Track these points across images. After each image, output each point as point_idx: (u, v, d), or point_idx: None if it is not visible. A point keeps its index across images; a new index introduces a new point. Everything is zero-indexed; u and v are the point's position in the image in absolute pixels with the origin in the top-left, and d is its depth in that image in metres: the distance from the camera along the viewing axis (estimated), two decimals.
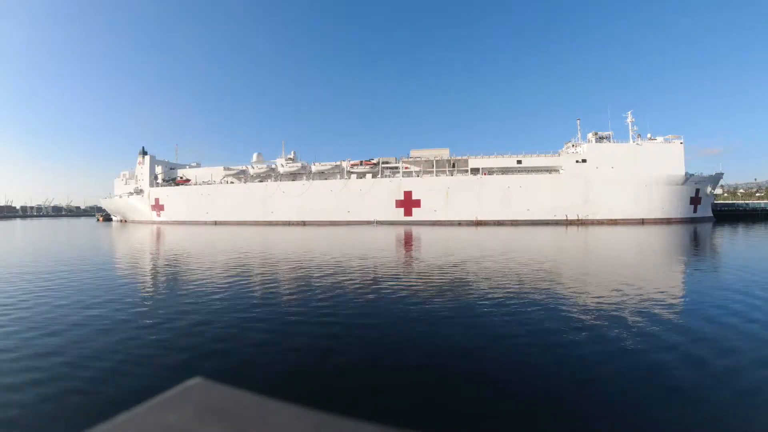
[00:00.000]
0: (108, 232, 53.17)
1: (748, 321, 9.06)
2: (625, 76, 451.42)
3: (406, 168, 69.22)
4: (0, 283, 14.85)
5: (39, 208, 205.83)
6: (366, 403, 5.64)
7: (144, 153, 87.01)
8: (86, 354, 7.39)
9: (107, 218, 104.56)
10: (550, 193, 61.29)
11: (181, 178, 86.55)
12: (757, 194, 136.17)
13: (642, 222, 58.41)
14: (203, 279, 15.33)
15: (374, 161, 71.03)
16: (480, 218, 62.88)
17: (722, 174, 66.27)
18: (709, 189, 63.49)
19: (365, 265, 18.90)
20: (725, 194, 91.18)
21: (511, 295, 11.93)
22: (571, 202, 60.79)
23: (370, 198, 67.33)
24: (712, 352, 7.21)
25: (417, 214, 65.62)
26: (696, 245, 28.26)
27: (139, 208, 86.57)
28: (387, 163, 70.65)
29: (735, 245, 29.04)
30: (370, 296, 12.22)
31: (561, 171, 61.90)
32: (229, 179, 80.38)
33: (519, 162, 64.20)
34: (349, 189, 68.71)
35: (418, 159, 68.46)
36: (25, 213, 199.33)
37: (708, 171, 64.29)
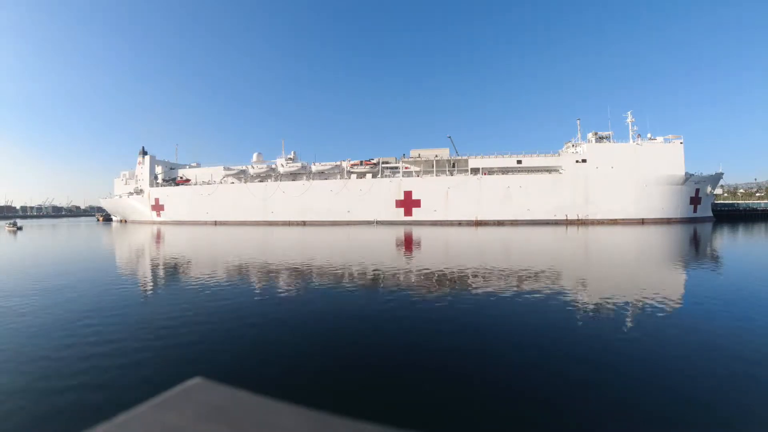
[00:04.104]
0: (108, 234, 53.18)
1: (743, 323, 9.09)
2: (624, 77, 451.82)
3: (406, 168, 69.15)
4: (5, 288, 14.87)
5: (39, 208, 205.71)
6: (366, 403, 5.65)
7: (144, 153, 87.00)
8: (86, 354, 7.41)
9: (107, 218, 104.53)
10: (550, 193, 61.25)
11: (181, 178, 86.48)
12: (757, 194, 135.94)
13: (642, 222, 58.40)
14: (203, 280, 15.34)
15: (374, 161, 70.96)
16: (480, 218, 62.86)
17: (722, 174, 66.27)
18: (708, 189, 63.47)
19: (365, 266, 18.91)
20: (725, 194, 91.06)
21: (514, 297, 11.95)
22: (571, 202, 60.77)
23: (370, 198, 67.30)
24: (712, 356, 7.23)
25: (417, 214, 65.59)
26: (696, 247, 28.25)
27: (139, 208, 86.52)
28: (387, 163, 70.59)
29: (733, 247, 29.03)
30: (371, 296, 12.22)
31: (561, 171, 61.86)
32: (229, 179, 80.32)
33: (519, 162, 64.13)
34: (349, 189, 68.67)
35: (418, 159, 68.39)
36: (25, 213, 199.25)
37: (708, 171, 64.41)
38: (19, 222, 66.34)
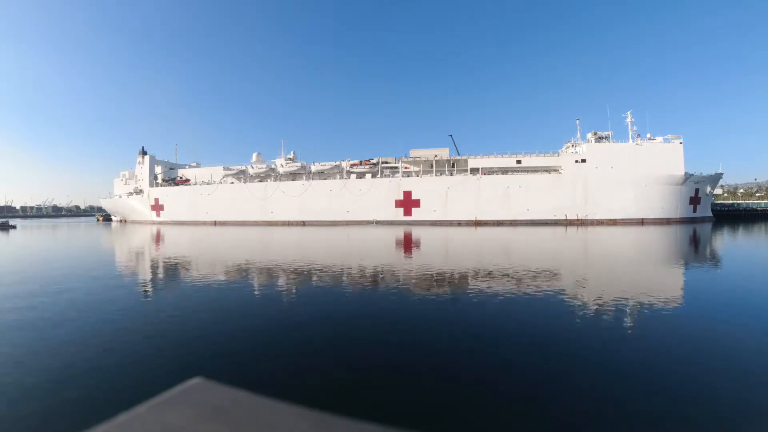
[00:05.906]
0: (107, 234, 53.12)
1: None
2: (624, 77, 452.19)
3: (406, 168, 69.17)
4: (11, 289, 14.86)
5: (39, 208, 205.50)
6: (366, 403, 5.65)
7: (144, 153, 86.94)
8: (85, 354, 7.40)
9: (107, 218, 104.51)
10: (550, 193, 61.29)
11: (181, 178, 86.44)
12: (757, 194, 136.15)
13: (641, 222, 58.44)
14: (203, 280, 15.34)
15: (374, 161, 70.97)
16: (479, 218, 62.88)
17: (722, 174, 66.35)
18: (708, 189, 63.54)
19: (364, 266, 18.91)
20: (725, 194, 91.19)
21: (514, 296, 11.95)
22: (571, 202, 60.81)
23: (370, 198, 67.31)
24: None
25: (416, 214, 65.61)
26: (695, 247, 28.26)
27: (139, 208, 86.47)
28: (386, 163, 70.60)
29: (733, 247, 29.05)
30: (370, 296, 12.22)
31: (560, 171, 61.90)
32: (229, 179, 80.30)
33: (518, 162, 64.17)
34: (349, 189, 68.68)
35: (417, 159, 68.43)
36: (25, 213, 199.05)
37: (707, 171, 64.46)
38: (18, 222, 65.88)
